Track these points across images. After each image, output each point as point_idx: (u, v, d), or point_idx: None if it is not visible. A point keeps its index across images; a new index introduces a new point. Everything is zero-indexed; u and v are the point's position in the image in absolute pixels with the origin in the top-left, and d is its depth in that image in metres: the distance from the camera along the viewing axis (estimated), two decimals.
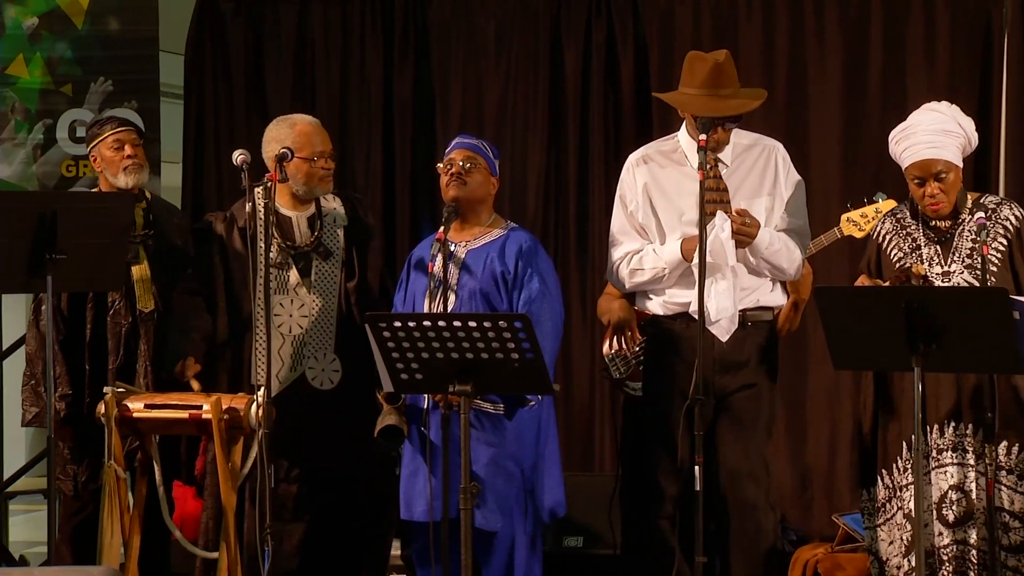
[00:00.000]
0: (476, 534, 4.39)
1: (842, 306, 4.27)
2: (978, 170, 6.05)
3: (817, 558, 5.71)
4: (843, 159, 6.36)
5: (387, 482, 5.03)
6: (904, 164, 4.73)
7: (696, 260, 4.46)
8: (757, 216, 4.66)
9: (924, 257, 4.73)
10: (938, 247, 4.74)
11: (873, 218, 5.24)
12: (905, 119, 6.30)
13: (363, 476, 5.01)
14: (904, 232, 4.81)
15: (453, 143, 4.92)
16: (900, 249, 4.79)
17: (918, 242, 4.77)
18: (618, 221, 4.83)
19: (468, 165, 4.79)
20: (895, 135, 4.78)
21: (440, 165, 4.85)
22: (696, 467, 4.34)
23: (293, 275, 5.01)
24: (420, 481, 4.75)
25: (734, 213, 4.58)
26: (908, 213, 4.84)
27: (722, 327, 4.59)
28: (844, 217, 5.27)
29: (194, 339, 4.99)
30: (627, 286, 4.81)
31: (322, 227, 5.06)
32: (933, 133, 4.69)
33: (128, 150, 5.36)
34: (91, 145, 5.44)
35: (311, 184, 5.03)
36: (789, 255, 4.70)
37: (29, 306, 5.49)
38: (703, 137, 4.51)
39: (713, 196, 4.59)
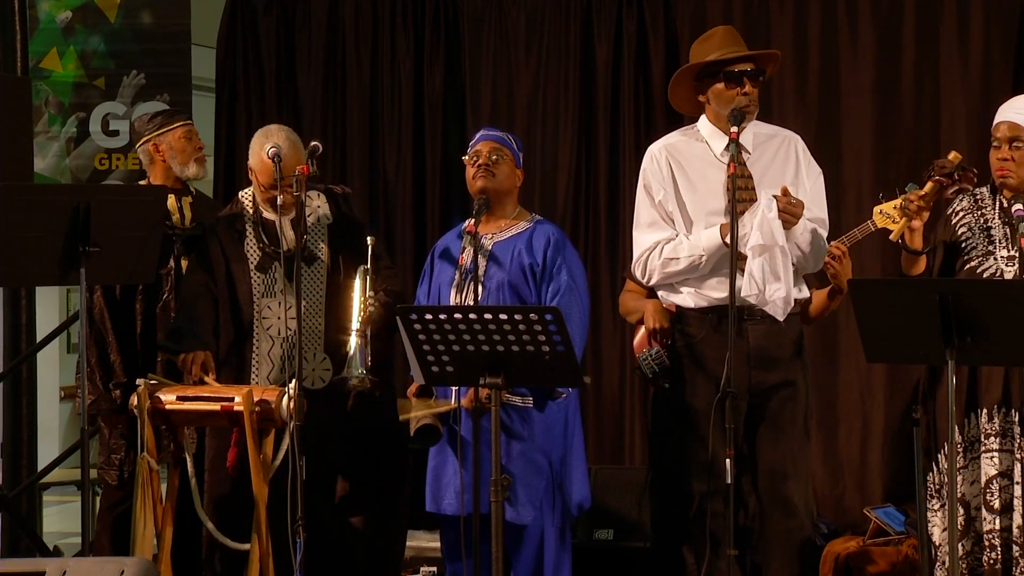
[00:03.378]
0: (506, 528, 4.39)
1: (875, 299, 4.24)
2: None
3: (849, 551, 5.69)
4: (876, 152, 6.32)
5: (392, 477, 5.03)
6: (993, 124, 4.71)
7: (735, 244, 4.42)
8: None
9: (994, 239, 4.68)
10: (1007, 229, 4.68)
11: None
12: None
13: (363, 473, 5.01)
14: (978, 212, 4.74)
15: (478, 135, 4.92)
16: (969, 228, 4.74)
17: (989, 223, 4.71)
18: (645, 211, 4.71)
19: (495, 157, 4.79)
20: (1009, 101, 4.77)
21: (466, 157, 4.84)
22: (728, 460, 4.31)
23: (279, 279, 4.97)
24: (447, 474, 4.75)
25: (779, 193, 4.51)
26: (987, 191, 4.77)
27: (777, 307, 4.50)
28: (876, 209, 5.22)
29: (207, 329, 4.95)
30: (657, 277, 4.68)
31: (306, 230, 4.93)
32: None
33: (197, 141, 5.49)
34: (154, 134, 5.48)
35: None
36: (817, 244, 4.65)
37: (61, 299, 5.53)
38: (734, 130, 4.48)
39: (739, 183, 4.53)
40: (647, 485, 5.57)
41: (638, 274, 4.75)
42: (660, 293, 4.80)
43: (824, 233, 4.72)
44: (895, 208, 5.04)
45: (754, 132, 4.70)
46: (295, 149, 4.90)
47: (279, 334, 4.95)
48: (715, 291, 4.61)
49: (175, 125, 5.49)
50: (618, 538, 5.76)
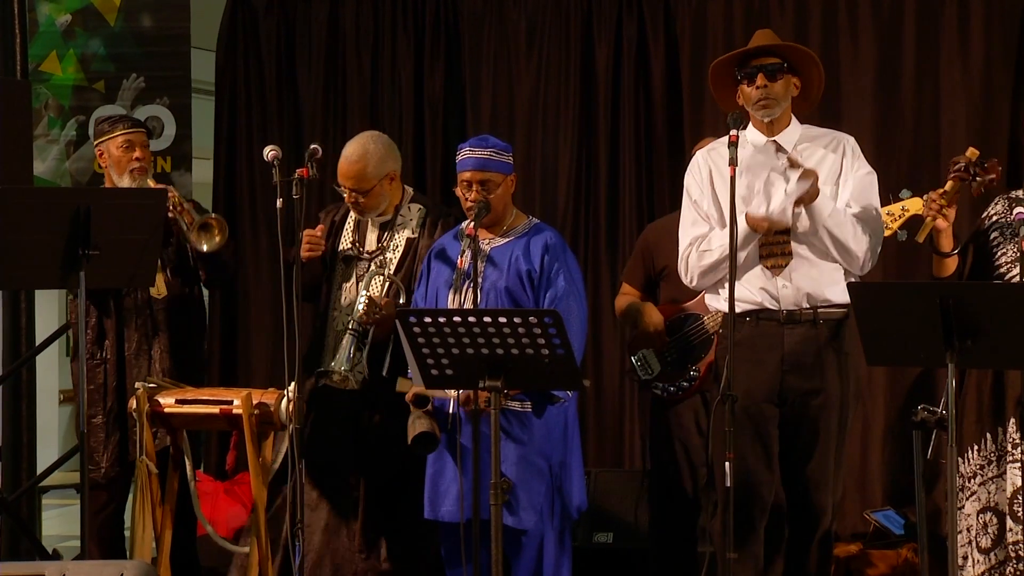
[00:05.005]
0: (506, 532, 4.38)
1: (876, 302, 4.22)
2: (1012, 164, 6.00)
3: (849, 554, 5.69)
4: (877, 153, 6.30)
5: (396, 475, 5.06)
6: None
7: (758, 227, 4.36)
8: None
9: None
10: None
11: (900, 216, 5.19)
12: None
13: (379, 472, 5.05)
14: (1011, 215, 4.66)
15: (462, 157, 4.84)
16: (1001, 232, 4.68)
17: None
18: (685, 211, 4.66)
19: (485, 187, 4.77)
20: None
21: (459, 189, 4.81)
22: (727, 463, 4.29)
23: (351, 274, 5.08)
24: (445, 480, 4.75)
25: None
26: (1023, 195, 4.71)
27: (788, 299, 4.46)
28: None
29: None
30: (697, 273, 4.58)
31: (391, 236, 5.11)
32: None
33: (138, 152, 5.40)
34: (99, 140, 5.47)
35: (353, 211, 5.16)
36: (855, 233, 4.51)
37: (62, 303, 5.53)
38: (733, 132, 4.44)
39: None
40: (643, 489, 5.56)
41: (683, 278, 4.67)
42: (707, 300, 4.73)
43: (877, 231, 4.58)
44: (888, 214, 5.03)
45: (801, 133, 4.63)
46: (375, 157, 5.04)
47: (333, 327, 5.04)
48: (748, 295, 4.52)
49: (115, 134, 5.41)
50: (617, 541, 5.76)
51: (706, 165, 4.65)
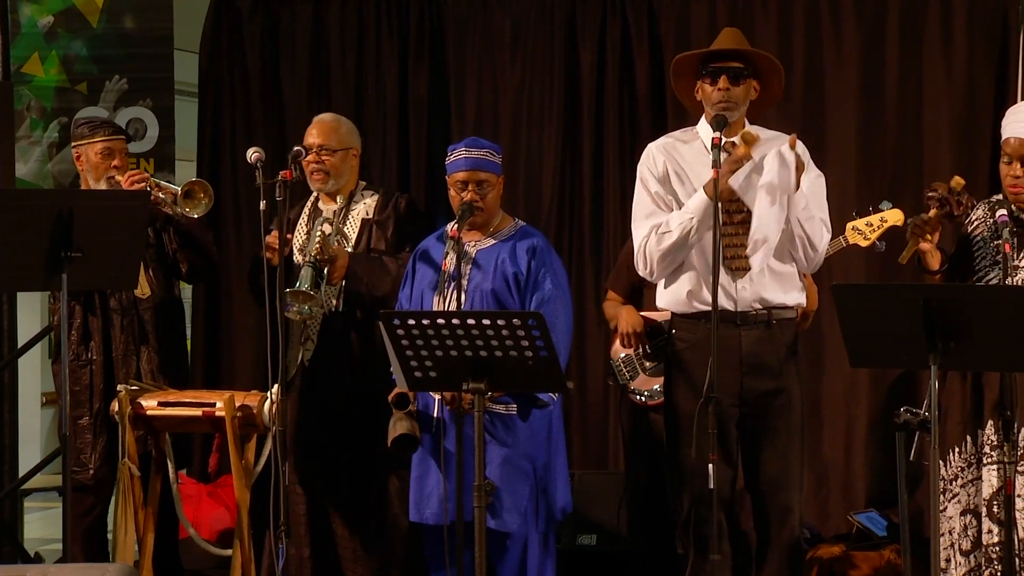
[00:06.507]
0: (490, 535, 4.38)
1: (859, 304, 4.23)
2: (995, 168, 6.02)
3: (832, 556, 5.69)
4: (860, 157, 6.34)
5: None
6: (1002, 138, 4.67)
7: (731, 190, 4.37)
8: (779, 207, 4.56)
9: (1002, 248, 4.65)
10: (1016, 240, 4.64)
11: (879, 227, 5.22)
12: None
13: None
14: (990, 220, 4.72)
15: (456, 158, 4.84)
16: (982, 237, 4.72)
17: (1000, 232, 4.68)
18: (642, 202, 4.64)
19: (482, 187, 4.77)
20: (1012, 108, 4.71)
21: (452, 190, 4.80)
22: (711, 465, 4.30)
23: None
24: (430, 483, 4.74)
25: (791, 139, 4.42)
26: (1002, 198, 4.74)
27: (758, 254, 4.43)
28: (849, 226, 5.26)
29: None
30: (656, 258, 4.56)
31: (345, 220, 5.23)
32: None
33: (116, 160, 5.40)
34: (77, 144, 5.46)
35: (310, 182, 5.26)
36: (819, 230, 4.57)
37: (43, 305, 5.51)
38: (716, 135, 4.46)
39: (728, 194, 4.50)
40: (624, 493, 5.57)
41: (640, 269, 4.66)
42: (659, 301, 4.74)
43: (827, 235, 4.66)
44: (867, 224, 5.06)
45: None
46: (321, 125, 5.28)
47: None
48: (706, 297, 4.55)
49: (95, 140, 5.42)
50: (601, 543, 5.76)
51: (661, 155, 4.66)
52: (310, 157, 5.21)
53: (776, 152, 4.41)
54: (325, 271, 5.04)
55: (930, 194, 4.70)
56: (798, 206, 4.49)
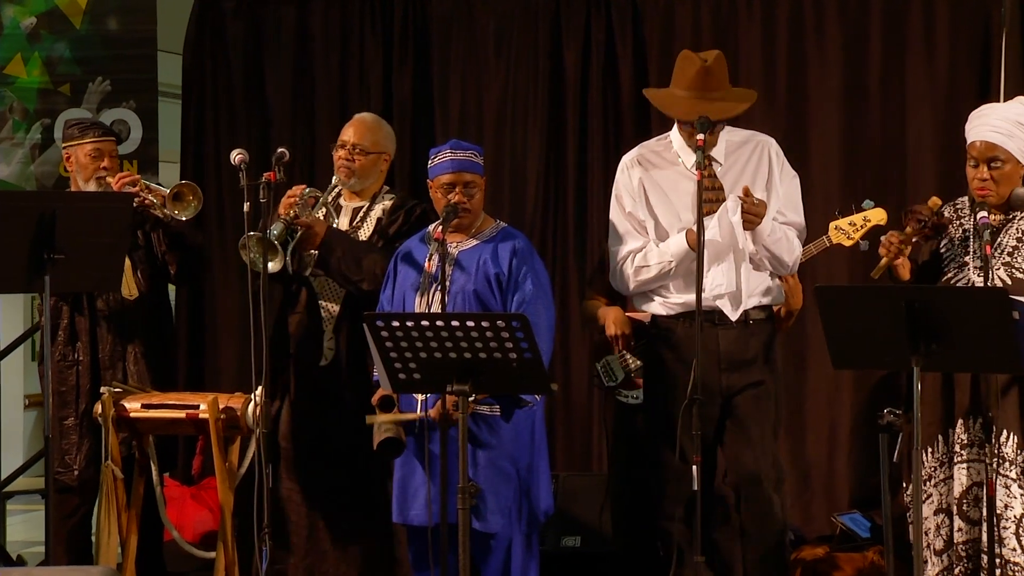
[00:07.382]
0: (474, 536, 4.38)
1: (842, 305, 4.25)
2: None
3: (816, 557, 5.70)
4: (843, 158, 6.35)
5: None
6: (967, 141, 4.67)
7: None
8: None
9: (970, 250, 4.67)
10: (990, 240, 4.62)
11: (862, 226, 5.24)
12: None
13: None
14: (958, 223, 4.74)
15: (441, 160, 4.79)
16: (950, 239, 4.73)
17: (968, 233, 4.70)
18: (618, 221, 4.76)
19: (470, 189, 4.77)
20: (974, 112, 4.72)
21: (437, 193, 4.79)
22: (694, 467, 4.32)
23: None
24: (413, 485, 4.74)
25: (741, 193, 4.52)
26: (967, 202, 4.76)
27: (727, 304, 4.56)
28: (832, 225, 5.28)
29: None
30: (632, 286, 4.73)
31: (364, 220, 5.20)
32: (1005, 120, 4.61)
33: (106, 161, 5.39)
34: (67, 145, 5.45)
35: (337, 174, 5.22)
36: (789, 246, 4.67)
37: (26, 307, 5.49)
38: (700, 137, 4.48)
39: (708, 196, 4.56)
40: (607, 495, 5.57)
41: (616, 284, 4.79)
42: (636, 301, 4.80)
43: (802, 237, 4.75)
44: (850, 224, 5.08)
45: (726, 140, 4.71)
46: (358, 124, 5.23)
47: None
48: (683, 298, 4.63)
49: (85, 141, 5.41)
50: (585, 545, 5.76)
51: (636, 171, 4.74)
52: (342, 152, 5.16)
53: (723, 207, 4.53)
54: (298, 234, 5.00)
55: (913, 215, 4.70)
56: (763, 233, 4.57)
